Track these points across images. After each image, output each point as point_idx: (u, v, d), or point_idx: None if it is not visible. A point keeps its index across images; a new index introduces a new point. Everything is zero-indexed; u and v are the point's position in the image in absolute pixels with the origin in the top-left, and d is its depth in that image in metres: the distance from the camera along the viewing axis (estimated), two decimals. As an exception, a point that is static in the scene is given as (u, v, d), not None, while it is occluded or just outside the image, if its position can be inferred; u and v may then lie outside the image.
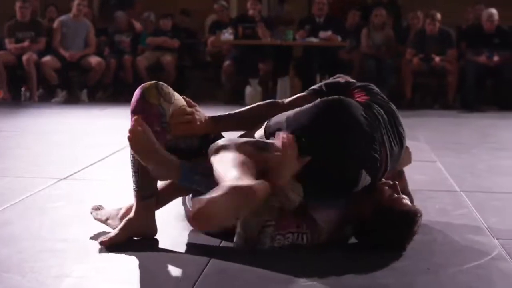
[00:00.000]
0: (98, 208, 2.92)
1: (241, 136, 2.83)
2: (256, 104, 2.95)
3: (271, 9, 12.25)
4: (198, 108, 2.81)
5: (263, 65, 9.32)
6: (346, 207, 2.66)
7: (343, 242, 2.70)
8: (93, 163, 4.40)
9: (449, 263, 2.49)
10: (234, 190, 2.17)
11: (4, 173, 4.06)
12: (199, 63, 10.40)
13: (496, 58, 8.86)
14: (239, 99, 9.07)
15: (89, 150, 4.97)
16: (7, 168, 4.26)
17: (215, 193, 2.16)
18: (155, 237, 2.71)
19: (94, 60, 9.22)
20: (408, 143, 2.97)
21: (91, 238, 2.71)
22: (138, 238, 2.69)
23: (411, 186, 3.12)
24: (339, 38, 9.36)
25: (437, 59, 8.99)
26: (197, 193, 2.60)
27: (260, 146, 2.49)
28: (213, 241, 2.68)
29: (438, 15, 9.11)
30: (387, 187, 2.66)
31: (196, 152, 2.68)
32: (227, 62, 9.37)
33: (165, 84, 2.72)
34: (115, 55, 9.63)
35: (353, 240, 2.72)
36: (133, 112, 2.65)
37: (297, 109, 2.68)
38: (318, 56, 9.34)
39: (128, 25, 10.06)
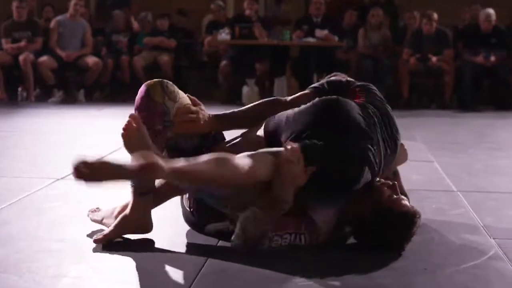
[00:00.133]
0: (95, 210, 2.92)
1: (242, 134, 2.84)
2: (259, 102, 2.94)
3: (268, 9, 12.24)
4: (202, 106, 2.82)
5: (260, 65, 9.32)
6: (345, 208, 2.66)
7: (342, 242, 2.71)
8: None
9: (446, 263, 2.49)
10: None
11: (1, 173, 4.06)
12: (196, 63, 10.38)
13: (493, 58, 8.86)
14: (236, 99, 9.07)
15: (86, 150, 4.95)
16: (4, 168, 4.26)
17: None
18: (152, 237, 2.71)
19: (91, 60, 9.21)
20: (405, 143, 2.98)
21: (88, 238, 2.71)
22: (136, 237, 2.69)
23: (408, 186, 3.13)
24: (336, 38, 9.36)
25: (434, 59, 8.99)
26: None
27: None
28: (211, 241, 2.68)
29: (435, 15, 9.10)
30: (386, 188, 2.66)
31: (197, 151, 2.68)
32: (224, 62, 9.36)
33: (170, 82, 2.74)
34: (112, 55, 9.62)
35: (351, 240, 2.72)
36: (137, 109, 2.66)
37: (296, 109, 2.69)
38: (315, 56, 9.33)
39: (125, 24, 10.05)
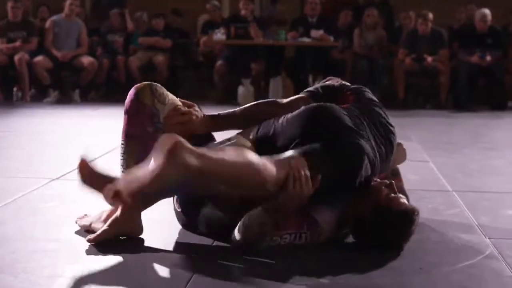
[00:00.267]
0: (83, 217, 2.90)
1: (237, 135, 2.83)
2: (256, 102, 2.94)
3: (263, 9, 12.24)
4: (197, 107, 2.81)
5: (255, 65, 9.33)
6: (345, 208, 2.66)
7: (340, 241, 2.71)
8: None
9: (442, 263, 2.50)
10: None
11: (-4, 173, 4.06)
12: (191, 63, 10.38)
13: (488, 58, 8.87)
14: (231, 99, 9.07)
15: (81, 150, 4.95)
16: (-1, 168, 4.26)
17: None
18: (148, 238, 2.71)
19: (86, 60, 9.20)
20: (401, 142, 2.98)
21: (83, 238, 2.70)
22: (128, 238, 2.69)
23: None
24: (332, 38, 9.36)
25: (429, 59, 9.00)
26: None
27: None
28: (206, 241, 2.68)
29: (430, 15, 9.12)
30: (383, 187, 2.66)
31: None
32: (219, 62, 9.36)
33: (159, 85, 2.75)
34: (107, 55, 9.61)
35: (350, 239, 2.72)
36: (126, 112, 2.70)
37: (284, 118, 2.68)
38: (311, 56, 9.34)
39: (121, 24, 10.04)
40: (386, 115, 2.80)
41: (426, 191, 3.76)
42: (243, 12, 9.58)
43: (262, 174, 2.36)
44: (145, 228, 2.71)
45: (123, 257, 2.50)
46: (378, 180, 2.72)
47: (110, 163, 4.13)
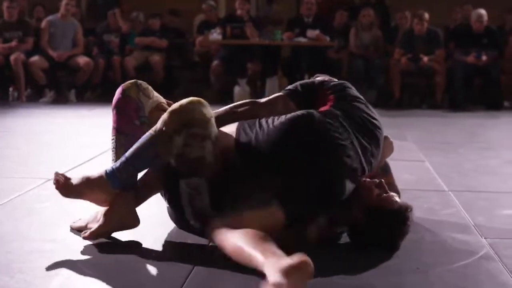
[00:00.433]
0: (77, 221, 2.90)
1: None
2: (234, 104, 2.91)
3: (259, 9, 12.25)
4: None
5: (251, 65, 9.33)
6: (337, 213, 2.65)
7: (336, 241, 2.71)
8: (82, 163, 4.39)
9: (437, 263, 2.50)
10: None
11: (-8, 174, 4.05)
12: (187, 63, 10.38)
13: (484, 58, 8.88)
14: (227, 99, 9.05)
15: (77, 150, 4.96)
16: (-5, 169, 4.26)
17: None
18: (144, 237, 2.70)
19: (82, 60, 9.19)
20: (396, 142, 2.98)
21: (79, 238, 2.70)
22: (128, 238, 2.69)
23: (399, 186, 3.13)
24: (328, 38, 9.37)
25: (425, 59, 9.01)
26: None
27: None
28: (202, 241, 2.67)
29: (426, 15, 9.13)
30: (373, 186, 2.65)
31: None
32: (215, 62, 9.37)
33: (145, 82, 2.86)
34: (103, 55, 9.61)
35: (344, 240, 2.72)
36: (114, 108, 2.81)
37: (266, 125, 2.63)
38: (307, 56, 9.34)
39: (117, 24, 10.03)
40: (371, 110, 2.76)
41: (422, 191, 3.76)
42: (239, 12, 9.59)
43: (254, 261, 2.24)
44: (141, 226, 2.71)
45: (119, 257, 2.50)
46: (368, 179, 2.69)
47: (107, 163, 4.13)
